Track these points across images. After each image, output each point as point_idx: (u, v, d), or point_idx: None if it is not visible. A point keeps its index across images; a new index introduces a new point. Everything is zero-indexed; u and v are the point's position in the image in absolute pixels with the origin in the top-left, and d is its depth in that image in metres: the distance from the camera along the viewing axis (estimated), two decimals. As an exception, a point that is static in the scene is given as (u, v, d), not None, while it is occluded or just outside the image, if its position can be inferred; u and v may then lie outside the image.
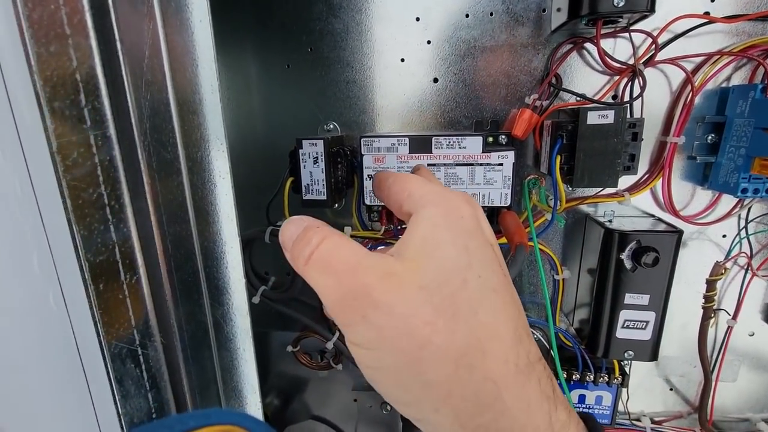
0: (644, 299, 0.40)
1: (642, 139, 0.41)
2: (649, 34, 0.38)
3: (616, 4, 0.34)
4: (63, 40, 0.18)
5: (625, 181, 0.43)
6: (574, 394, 0.49)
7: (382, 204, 0.43)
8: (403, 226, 0.46)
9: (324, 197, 0.42)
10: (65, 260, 0.20)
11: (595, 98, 0.41)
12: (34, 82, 0.17)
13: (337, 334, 0.51)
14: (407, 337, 0.16)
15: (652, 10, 0.34)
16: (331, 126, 0.47)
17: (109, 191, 0.21)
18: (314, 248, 0.18)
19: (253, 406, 0.31)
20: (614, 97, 0.42)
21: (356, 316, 0.17)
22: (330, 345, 0.51)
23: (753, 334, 0.47)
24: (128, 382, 0.22)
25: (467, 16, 0.42)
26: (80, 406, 0.22)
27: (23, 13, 0.15)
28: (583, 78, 0.42)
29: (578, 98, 0.40)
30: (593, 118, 0.36)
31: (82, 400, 0.21)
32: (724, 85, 0.41)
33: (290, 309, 0.51)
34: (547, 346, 0.46)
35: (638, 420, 0.51)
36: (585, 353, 0.45)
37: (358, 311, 0.17)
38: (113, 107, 0.20)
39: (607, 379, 0.45)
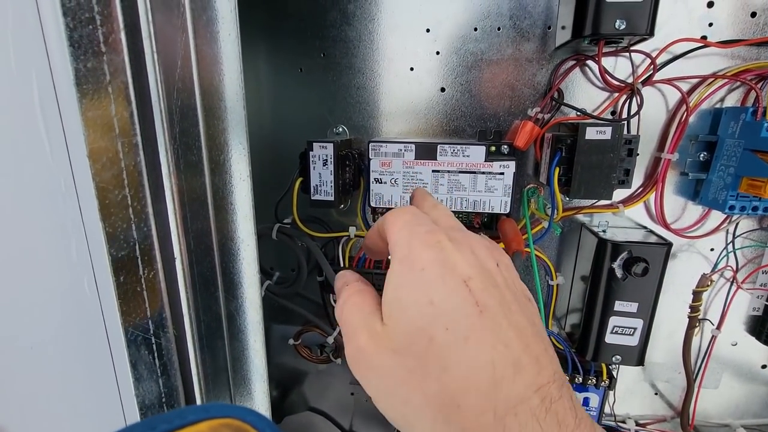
0: (633, 307, 0.42)
1: (638, 155, 0.43)
2: (648, 55, 0.40)
3: (617, 27, 0.36)
4: (99, 56, 0.20)
5: (620, 193, 0.45)
6: (563, 395, 0.51)
7: (388, 207, 0.44)
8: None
9: (331, 198, 0.44)
10: (99, 251, 0.22)
11: (595, 114, 0.43)
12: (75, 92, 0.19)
13: (338, 329, 0.53)
14: (393, 396, 0.18)
15: (651, 33, 0.36)
16: (340, 129, 0.49)
17: (133, 193, 0.23)
18: (340, 309, 0.21)
19: (261, 394, 0.33)
20: (613, 113, 0.44)
21: (360, 373, 0.19)
22: (330, 340, 0.53)
23: (736, 344, 0.50)
24: (141, 367, 0.24)
25: (476, 29, 0.44)
26: (105, 383, 0.23)
27: (65, 33, 0.17)
28: (584, 94, 0.44)
29: (578, 113, 0.42)
30: (591, 133, 0.38)
31: (107, 378, 0.23)
32: (717, 106, 0.42)
33: (293, 303, 0.53)
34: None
35: (623, 422, 0.53)
36: (575, 356, 0.47)
37: (361, 371, 0.19)
38: (140, 117, 0.22)
39: (594, 382, 0.47)
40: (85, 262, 0.21)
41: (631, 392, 0.54)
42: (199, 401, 0.29)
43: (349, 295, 0.21)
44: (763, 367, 0.51)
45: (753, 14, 0.40)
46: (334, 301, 0.53)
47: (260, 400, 0.33)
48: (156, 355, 0.24)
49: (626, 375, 0.53)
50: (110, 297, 0.23)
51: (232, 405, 0.15)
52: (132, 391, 0.23)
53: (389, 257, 0.21)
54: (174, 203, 0.25)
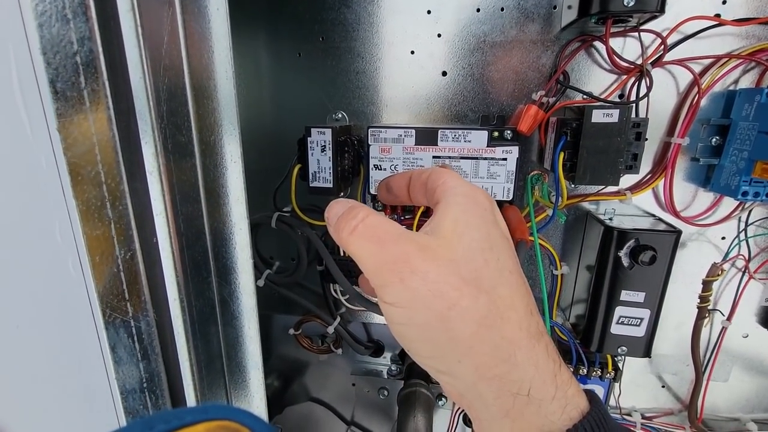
0: (640, 296, 0.41)
1: (646, 139, 0.41)
2: (658, 35, 0.38)
3: (626, 4, 0.34)
4: (65, 23, 0.19)
5: (628, 180, 0.44)
6: (567, 387, 0.50)
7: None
8: (407, 216, 0.48)
9: (330, 185, 0.43)
10: (79, 231, 0.21)
11: (602, 97, 0.41)
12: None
13: (338, 319, 0.52)
14: (438, 298, 0.19)
15: (662, 10, 0.34)
16: (340, 115, 0.48)
17: (106, 170, 0.22)
18: (360, 221, 0.21)
19: (256, 381, 0.33)
20: (621, 96, 0.42)
21: (394, 278, 0.20)
22: (331, 329, 0.52)
23: (747, 336, 0.48)
24: (121, 350, 0.23)
25: (478, 10, 0.42)
26: (92, 364, 0.23)
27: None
28: (590, 76, 0.42)
29: (585, 96, 0.41)
30: (598, 116, 0.37)
31: (95, 359, 0.23)
32: (731, 87, 0.41)
33: (293, 293, 0.52)
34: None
35: (629, 415, 0.52)
36: (579, 347, 0.46)
37: (396, 274, 0.20)
38: (113, 89, 0.21)
39: (599, 374, 0.46)
40: (69, 242, 0.21)
41: (638, 384, 0.53)
42: (191, 388, 0.28)
43: (373, 212, 0.22)
44: (775, 359, 0.49)
45: (770, -9, 0.38)
46: (335, 291, 0.52)
47: (255, 387, 0.33)
48: (136, 338, 0.23)
49: (632, 367, 0.51)
50: (90, 277, 0.23)
51: (231, 407, 0.16)
52: (113, 374, 0.22)
53: (434, 201, 0.23)
54: (162, 184, 0.24)
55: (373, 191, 0.44)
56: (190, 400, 0.28)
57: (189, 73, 0.25)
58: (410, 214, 0.47)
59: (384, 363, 0.59)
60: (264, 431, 0.15)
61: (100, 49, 0.19)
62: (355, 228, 0.21)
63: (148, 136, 0.23)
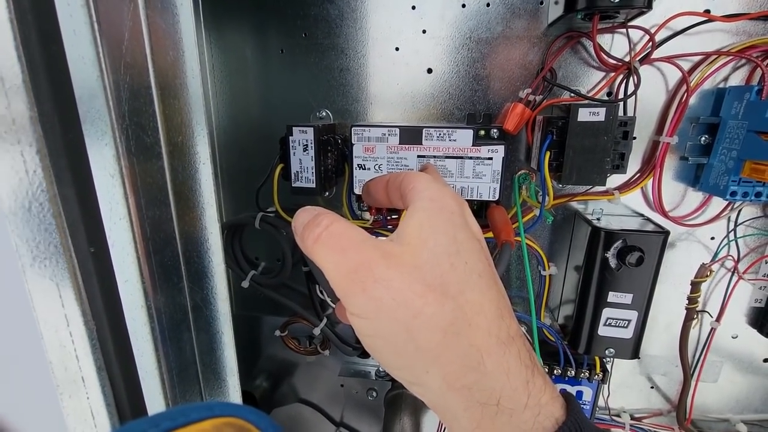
0: (627, 298, 0.40)
1: (635, 138, 0.41)
2: (646, 31, 0.38)
3: (613, 0, 0.33)
4: None
5: (616, 179, 0.43)
6: (556, 389, 0.49)
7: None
8: (393, 216, 0.47)
9: (313, 185, 0.42)
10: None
11: (590, 95, 0.40)
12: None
13: (325, 320, 0.52)
14: (402, 307, 0.19)
15: (649, 6, 0.33)
16: (324, 113, 0.47)
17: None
18: (324, 229, 0.20)
19: (232, 388, 0.32)
20: (609, 94, 0.41)
21: (357, 287, 0.19)
22: (317, 331, 0.51)
23: (736, 337, 0.48)
24: (61, 371, 0.22)
25: (464, 6, 0.41)
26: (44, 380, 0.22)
27: None
28: (578, 74, 0.41)
29: (572, 94, 0.40)
30: (584, 115, 0.36)
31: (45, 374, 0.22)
32: (721, 85, 0.40)
33: (279, 294, 0.51)
34: (530, 341, 0.46)
35: (618, 416, 0.51)
36: (567, 349, 0.45)
37: (358, 284, 0.19)
38: (29, 63, 0.20)
39: (587, 375, 0.46)
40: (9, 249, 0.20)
41: (627, 385, 0.52)
42: (162, 396, 0.27)
43: (337, 219, 0.21)
44: (765, 360, 0.49)
45: (760, -14, 0.37)
46: (320, 292, 0.52)
47: (233, 393, 0.32)
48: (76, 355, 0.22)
49: (622, 368, 0.51)
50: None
51: (236, 404, 0.16)
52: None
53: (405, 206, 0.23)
54: (125, 187, 0.23)
55: (357, 191, 0.43)
56: (160, 409, 0.27)
57: (154, 72, 0.24)
58: (396, 213, 0.46)
59: (373, 364, 0.58)
60: (269, 428, 0.15)
61: (14, 46, 0.18)
62: (319, 236, 0.20)
63: (108, 138, 0.22)
